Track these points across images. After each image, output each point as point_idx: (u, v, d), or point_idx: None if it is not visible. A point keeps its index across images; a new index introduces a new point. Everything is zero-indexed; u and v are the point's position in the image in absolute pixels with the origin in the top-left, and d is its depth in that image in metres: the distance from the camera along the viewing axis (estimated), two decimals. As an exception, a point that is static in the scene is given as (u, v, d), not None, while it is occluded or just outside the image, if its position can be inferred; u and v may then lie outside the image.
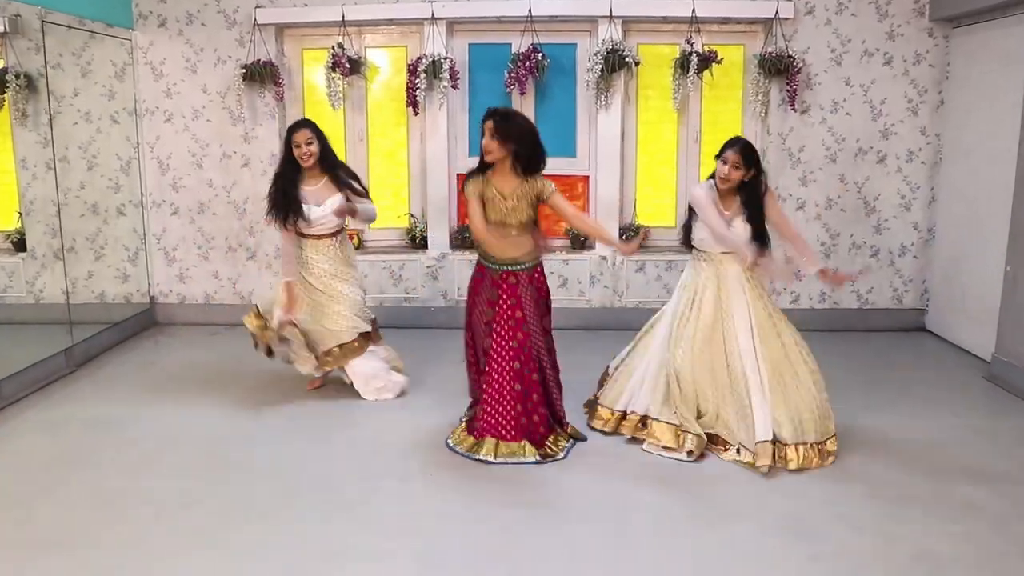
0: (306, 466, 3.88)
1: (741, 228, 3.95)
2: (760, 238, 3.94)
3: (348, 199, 4.57)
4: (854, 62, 5.83)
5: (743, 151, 3.89)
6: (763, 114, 5.91)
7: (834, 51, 5.83)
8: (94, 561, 3.07)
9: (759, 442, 3.76)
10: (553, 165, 6.01)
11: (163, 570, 3.02)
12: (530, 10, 5.77)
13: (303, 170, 4.52)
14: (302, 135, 4.46)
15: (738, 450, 3.88)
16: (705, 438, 3.91)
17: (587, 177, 6.18)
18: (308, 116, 6.19)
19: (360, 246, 6.26)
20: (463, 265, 6.09)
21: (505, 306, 3.92)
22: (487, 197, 3.88)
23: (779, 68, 5.69)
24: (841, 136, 5.91)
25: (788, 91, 5.75)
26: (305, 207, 4.49)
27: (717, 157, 4.00)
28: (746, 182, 3.94)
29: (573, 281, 6.11)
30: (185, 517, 3.40)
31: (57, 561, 3.06)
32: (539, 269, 4.05)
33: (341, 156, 6.18)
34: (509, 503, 3.52)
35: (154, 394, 4.84)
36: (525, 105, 6.05)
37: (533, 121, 5.89)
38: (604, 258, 6.06)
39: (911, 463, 3.87)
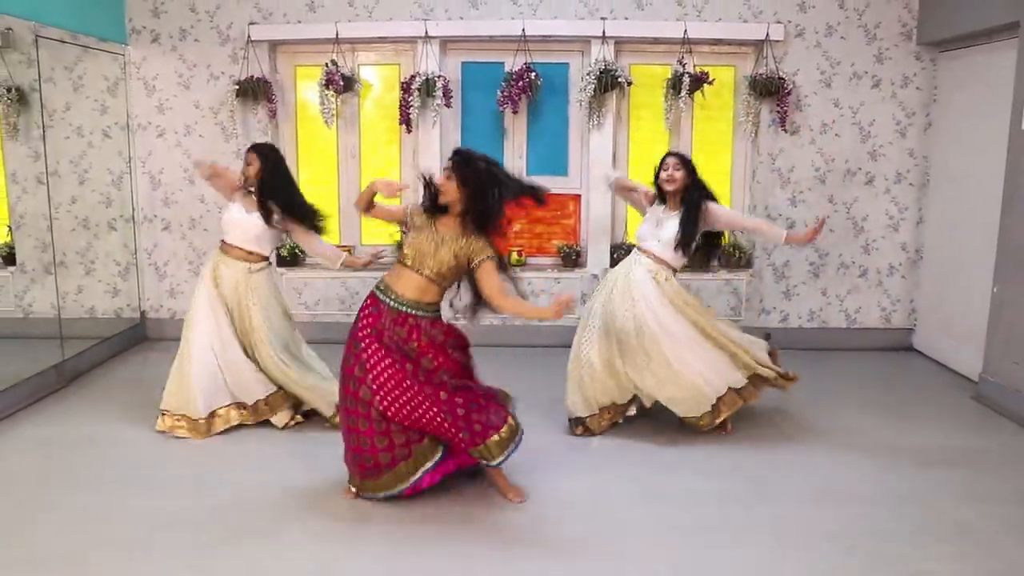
0: (298, 487, 3.86)
1: (669, 227, 4.30)
2: (684, 244, 4.26)
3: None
4: (843, 84, 5.90)
5: (681, 158, 4.33)
6: (753, 135, 5.96)
7: (823, 73, 5.90)
8: (85, 582, 3.05)
9: None
10: (545, 184, 6.14)
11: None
12: (524, 30, 5.81)
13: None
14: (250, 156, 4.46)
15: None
16: None
17: (579, 196, 6.21)
18: (300, 133, 6.24)
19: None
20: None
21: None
22: (416, 224, 3.60)
23: (770, 90, 5.75)
24: (830, 157, 5.97)
25: (778, 112, 5.81)
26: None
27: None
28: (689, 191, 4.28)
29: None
30: (175, 538, 3.37)
31: (48, 582, 3.04)
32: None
33: (332, 173, 6.26)
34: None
35: (145, 411, 4.77)
36: (517, 124, 6.09)
37: (525, 140, 6.11)
38: (595, 276, 6.09)
39: (901, 483, 3.90)
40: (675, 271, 4.35)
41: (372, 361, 3.50)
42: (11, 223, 5.70)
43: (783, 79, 5.77)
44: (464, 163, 3.49)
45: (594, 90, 5.75)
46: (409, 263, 3.54)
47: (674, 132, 6.10)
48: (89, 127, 5.90)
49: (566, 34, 5.91)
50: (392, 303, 3.53)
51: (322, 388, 4.45)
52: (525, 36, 5.83)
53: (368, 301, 3.62)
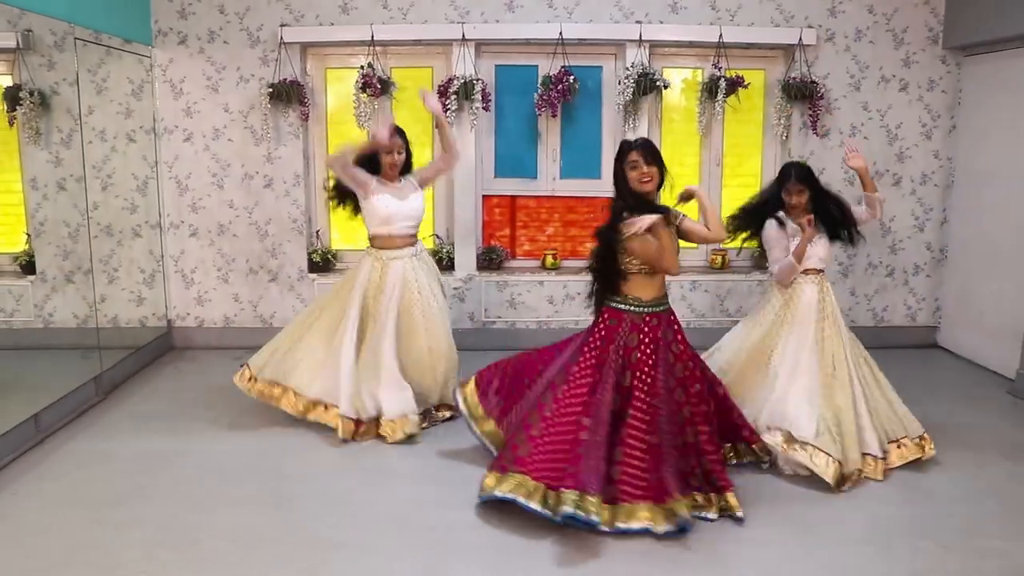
0: (362, 497, 3.82)
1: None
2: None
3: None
4: (871, 87, 6.02)
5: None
6: (784, 138, 6.04)
7: (853, 77, 6.01)
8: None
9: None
10: (579, 187, 6.18)
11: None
12: (561, 33, 5.81)
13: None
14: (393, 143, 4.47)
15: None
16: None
17: (612, 199, 6.21)
18: (331, 135, 6.15)
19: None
20: (490, 287, 6.08)
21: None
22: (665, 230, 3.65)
23: (803, 93, 5.84)
24: (859, 159, 6.08)
25: (810, 116, 5.90)
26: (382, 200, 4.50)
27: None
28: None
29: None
30: (261, 553, 3.33)
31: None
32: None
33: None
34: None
35: (194, 423, 4.69)
36: (551, 127, 6.09)
37: (559, 144, 6.11)
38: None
39: (956, 481, 4.00)
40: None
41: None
42: (30, 230, 5.50)
43: (816, 83, 5.87)
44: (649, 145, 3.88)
45: (632, 93, 5.77)
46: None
47: (706, 135, 6.15)
48: (113, 131, 5.72)
49: (602, 37, 5.92)
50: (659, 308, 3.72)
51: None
52: (562, 39, 5.83)
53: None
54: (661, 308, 3.71)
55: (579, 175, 6.17)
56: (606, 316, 3.72)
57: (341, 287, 4.64)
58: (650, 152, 3.80)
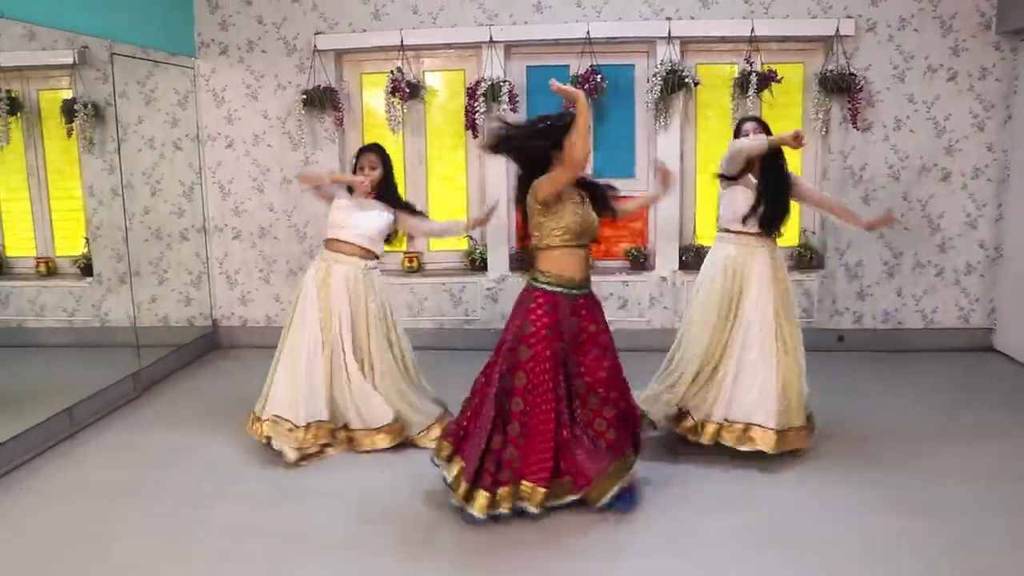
0: (375, 495, 3.88)
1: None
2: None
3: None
4: (917, 78, 5.75)
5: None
6: (824, 132, 5.84)
7: (896, 68, 5.76)
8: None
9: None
10: (613, 186, 6.11)
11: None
12: (588, 32, 5.77)
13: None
14: (367, 159, 4.45)
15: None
16: None
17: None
18: (367, 140, 6.27)
19: (420, 268, 6.29)
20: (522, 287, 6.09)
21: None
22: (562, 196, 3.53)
23: (841, 86, 5.64)
24: (904, 154, 5.83)
25: (850, 109, 5.69)
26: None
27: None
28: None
29: (633, 302, 6.09)
30: (255, 548, 3.42)
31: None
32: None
33: (400, 179, 6.27)
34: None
35: (222, 419, 4.85)
36: (583, 126, 6.05)
37: (592, 142, 6.07)
38: (663, 279, 6.03)
39: (1001, 495, 3.79)
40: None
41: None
42: (88, 234, 5.83)
43: (855, 75, 5.65)
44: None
45: (661, 91, 5.69)
46: (578, 241, 3.59)
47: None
48: (161, 139, 6.02)
49: (631, 35, 5.85)
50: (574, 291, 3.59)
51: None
52: (590, 39, 5.80)
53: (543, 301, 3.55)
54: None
55: (612, 174, 6.06)
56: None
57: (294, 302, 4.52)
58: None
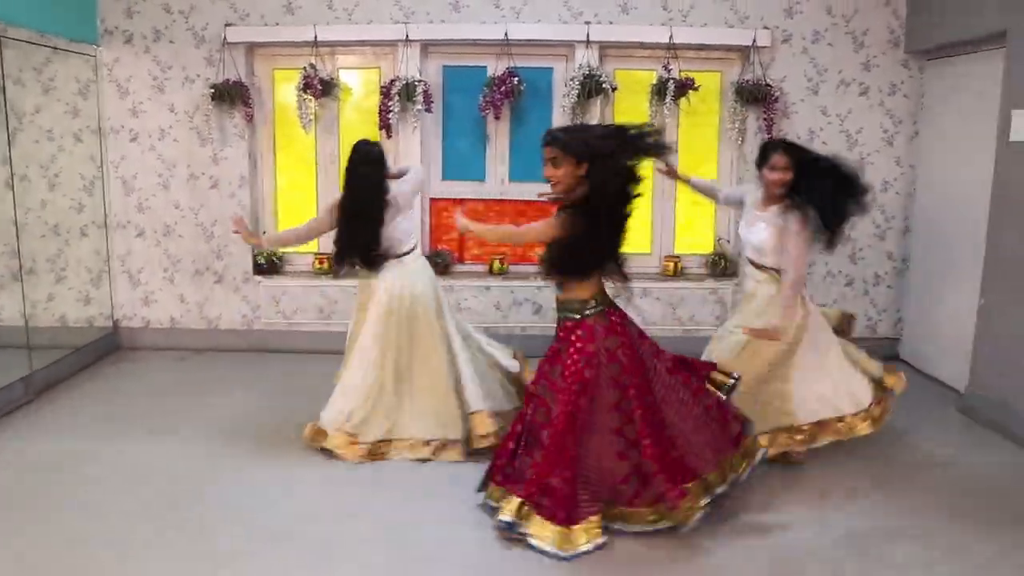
0: (281, 507, 3.74)
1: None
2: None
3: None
4: (830, 91, 5.83)
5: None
6: (740, 141, 5.88)
7: (811, 80, 5.82)
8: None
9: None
10: (529, 190, 6.06)
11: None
12: (506, 33, 5.70)
13: None
14: None
15: None
16: None
17: (561, 202, 6.08)
18: (278, 137, 6.10)
19: (331, 270, 6.14)
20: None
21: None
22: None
23: (756, 96, 5.67)
24: (817, 165, 5.89)
25: (765, 120, 5.73)
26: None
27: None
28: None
29: (547, 308, 6.04)
30: (150, 562, 3.26)
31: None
32: None
33: (311, 178, 6.14)
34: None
35: (120, 426, 4.67)
36: (500, 129, 5.99)
37: (507, 146, 6.00)
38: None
39: (891, 498, 3.86)
40: None
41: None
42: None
43: (770, 86, 5.69)
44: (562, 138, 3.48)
45: (578, 95, 5.64)
46: None
47: (659, 138, 6.00)
48: (60, 131, 5.73)
49: (549, 38, 5.80)
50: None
51: None
52: (508, 40, 5.72)
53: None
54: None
55: (529, 178, 6.05)
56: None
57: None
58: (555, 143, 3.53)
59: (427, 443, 4.22)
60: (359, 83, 6.10)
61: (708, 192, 4.73)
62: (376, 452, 4.20)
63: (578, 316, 3.49)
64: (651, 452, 3.38)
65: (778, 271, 4.03)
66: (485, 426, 4.22)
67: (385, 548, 3.40)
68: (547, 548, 3.30)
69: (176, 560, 3.29)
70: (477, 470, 3.83)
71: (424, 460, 4.19)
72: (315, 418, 4.34)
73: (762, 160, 4.05)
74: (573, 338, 3.48)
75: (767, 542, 3.48)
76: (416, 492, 3.90)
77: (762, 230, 4.05)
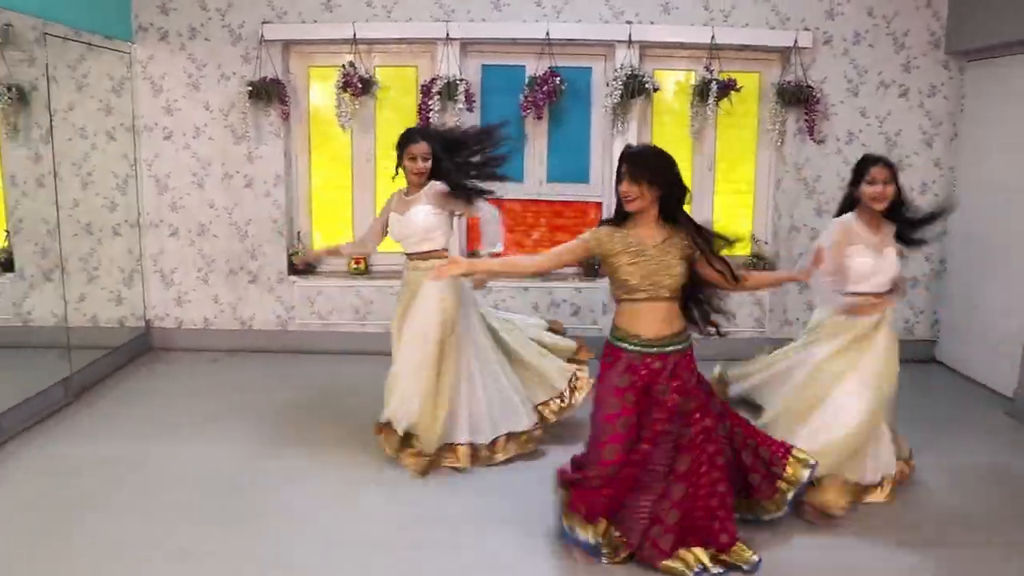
0: (330, 511, 3.69)
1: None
2: None
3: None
4: (870, 93, 5.81)
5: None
6: (779, 143, 5.85)
7: (851, 82, 5.80)
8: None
9: None
10: (566, 191, 6.03)
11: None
12: (548, 33, 5.65)
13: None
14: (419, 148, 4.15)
15: None
16: None
17: (600, 204, 6.05)
18: (313, 135, 6.04)
19: (367, 271, 6.08)
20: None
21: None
22: (616, 249, 3.19)
23: (798, 98, 5.66)
24: (856, 167, 5.88)
25: (806, 121, 5.71)
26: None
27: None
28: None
29: (586, 310, 6.00)
30: (198, 566, 3.22)
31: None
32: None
33: (346, 178, 6.08)
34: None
35: (159, 428, 4.60)
36: (538, 129, 5.94)
37: (546, 147, 5.96)
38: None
39: (942, 505, 3.84)
40: None
41: None
42: (9, 227, 5.44)
43: (812, 87, 5.68)
44: (639, 159, 3.20)
45: (620, 95, 5.61)
46: (645, 295, 3.20)
47: (698, 139, 5.97)
48: (93, 128, 5.64)
49: (590, 38, 5.76)
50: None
51: None
52: (549, 39, 5.68)
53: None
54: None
55: (567, 179, 6.03)
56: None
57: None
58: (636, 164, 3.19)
59: (480, 446, 4.19)
60: (395, 81, 6.04)
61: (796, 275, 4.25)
62: (436, 461, 4.14)
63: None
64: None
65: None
66: (505, 451, 4.22)
67: (449, 554, 3.36)
68: None
69: (228, 562, 3.24)
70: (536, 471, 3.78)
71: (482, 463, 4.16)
72: (359, 419, 4.28)
73: (859, 175, 3.75)
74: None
75: (808, 554, 3.46)
76: (477, 495, 3.86)
77: (892, 255, 3.78)
